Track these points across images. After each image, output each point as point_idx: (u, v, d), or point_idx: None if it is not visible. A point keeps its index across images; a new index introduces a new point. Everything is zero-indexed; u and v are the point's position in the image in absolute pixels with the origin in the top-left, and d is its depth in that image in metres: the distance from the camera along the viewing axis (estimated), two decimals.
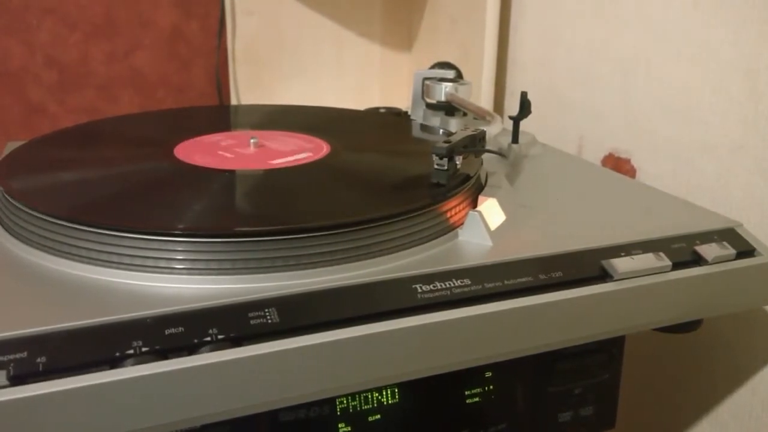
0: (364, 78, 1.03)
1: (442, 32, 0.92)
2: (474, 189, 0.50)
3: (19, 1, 0.84)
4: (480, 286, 0.40)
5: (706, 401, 0.60)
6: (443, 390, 0.46)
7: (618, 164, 0.68)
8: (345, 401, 0.43)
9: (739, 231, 0.48)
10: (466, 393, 0.46)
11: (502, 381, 0.47)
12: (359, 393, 0.43)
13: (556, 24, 0.76)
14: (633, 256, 0.44)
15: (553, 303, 0.40)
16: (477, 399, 0.47)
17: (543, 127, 0.76)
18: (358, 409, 0.43)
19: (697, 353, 0.61)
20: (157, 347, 0.33)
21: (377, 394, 0.44)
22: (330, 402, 0.42)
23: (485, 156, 0.55)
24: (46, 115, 0.89)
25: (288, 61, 0.97)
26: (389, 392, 0.44)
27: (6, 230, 0.43)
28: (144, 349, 0.33)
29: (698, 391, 0.61)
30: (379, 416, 0.44)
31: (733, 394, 0.57)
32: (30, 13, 0.85)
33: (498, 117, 0.57)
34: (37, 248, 0.41)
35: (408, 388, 0.45)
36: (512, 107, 0.85)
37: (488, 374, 0.47)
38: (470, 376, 0.46)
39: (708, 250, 0.46)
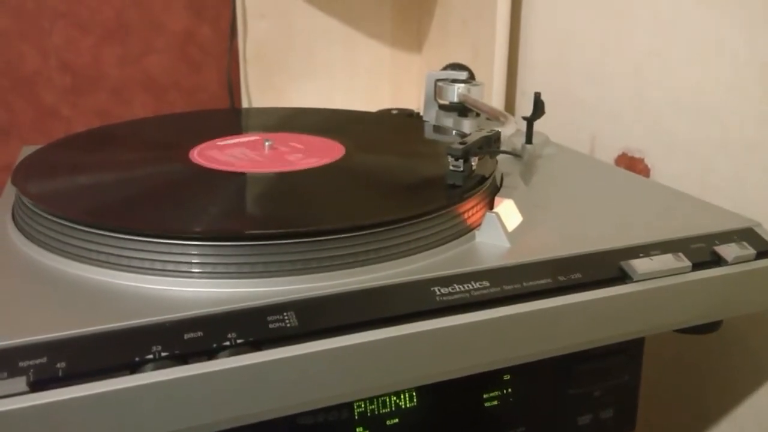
0: (375, 79, 1.02)
1: (453, 33, 0.92)
2: (490, 190, 0.50)
3: (32, 5, 0.85)
4: (499, 288, 0.39)
5: (727, 403, 0.59)
6: (461, 393, 0.46)
7: (631, 164, 0.67)
8: (363, 405, 0.43)
9: (758, 230, 0.48)
10: (484, 396, 0.46)
11: (521, 384, 0.47)
12: (377, 397, 0.43)
13: (567, 23, 0.75)
14: (652, 257, 0.43)
15: (573, 305, 0.40)
16: (495, 402, 0.46)
17: (554, 127, 0.76)
18: (376, 413, 0.43)
19: (717, 354, 0.60)
20: (177, 352, 0.33)
21: (395, 398, 0.44)
22: (348, 406, 0.42)
23: (499, 157, 0.55)
24: (59, 118, 0.89)
25: (299, 64, 0.97)
26: (407, 396, 0.44)
27: (24, 234, 0.43)
28: (163, 354, 0.32)
29: (718, 392, 0.60)
30: (397, 420, 0.44)
31: (754, 395, 0.57)
32: (43, 17, 0.85)
33: (512, 117, 0.57)
34: (54, 252, 0.41)
35: (426, 391, 0.44)
36: (523, 107, 0.85)
37: (506, 377, 0.46)
38: (488, 378, 0.46)
39: (728, 250, 0.45)
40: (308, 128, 0.62)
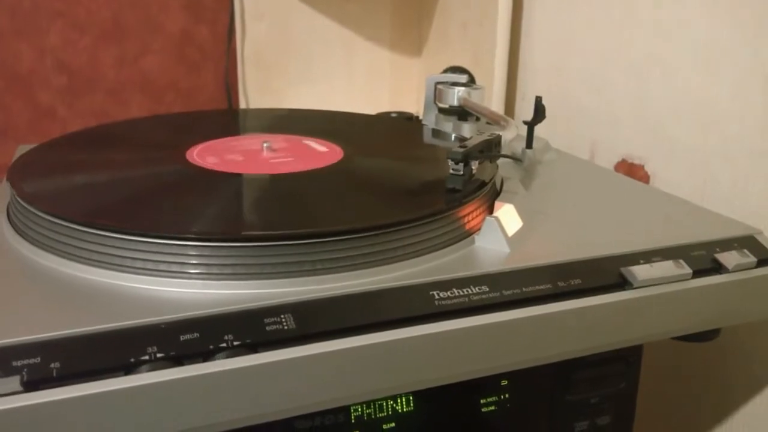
0: (374, 82, 1.02)
1: (452, 37, 0.92)
2: (490, 194, 0.49)
3: (29, 4, 0.84)
4: (498, 293, 0.39)
5: (723, 412, 0.59)
6: (458, 398, 0.45)
7: (631, 170, 0.67)
8: (360, 409, 0.42)
9: (759, 238, 0.48)
10: (482, 401, 0.46)
11: (518, 389, 0.47)
12: (374, 401, 0.43)
13: (568, 28, 0.75)
14: (652, 264, 0.43)
15: (573, 311, 0.40)
16: (492, 408, 0.46)
17: (554, 132, 0.75)
18: (373, 416, 0.43)
19: (715, 363, 0.60)
20: (172, 353, 0.32)
21: (392, 402, 0.43)
22: (344, 410, 0.42)
23: (499, 161, 0.55)
24: (55, 118, 0.89)
25: (297, 66, 0.97)
26: (404, 400, 0.44)
27: (19, 234, 0.43)
28: (159, 355, 0.32)
29: (715, 401, 0.60)
30: (393, 424, 0.44)
31: (749, 404, 0.56)
32: (40, 16, 0.85)
33: (512, 122, 0.57)
34: (50, 252, 0.40)
35: (423, 396, 0.44)
36: (523, 112, 0.84)
37: (504, 382, 0.46)
38: (486, 384, 0.46)
39: (728, 258, 0.45)
40: (307, 130, 0.62)
